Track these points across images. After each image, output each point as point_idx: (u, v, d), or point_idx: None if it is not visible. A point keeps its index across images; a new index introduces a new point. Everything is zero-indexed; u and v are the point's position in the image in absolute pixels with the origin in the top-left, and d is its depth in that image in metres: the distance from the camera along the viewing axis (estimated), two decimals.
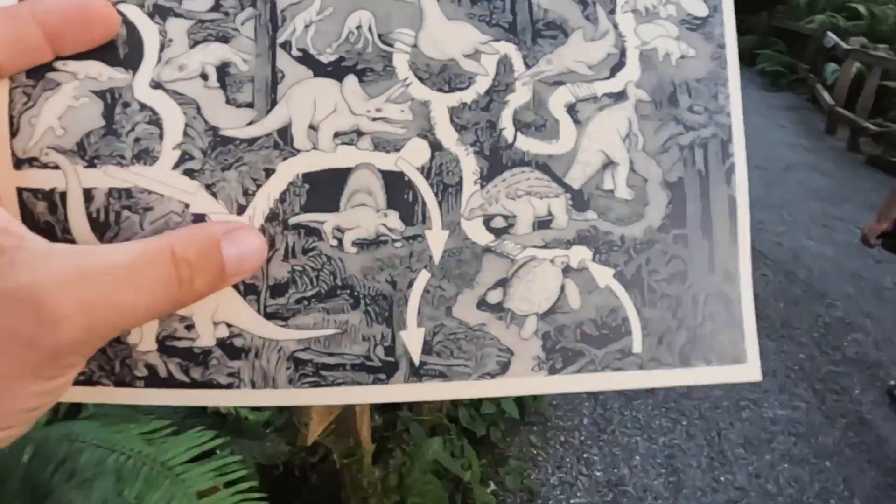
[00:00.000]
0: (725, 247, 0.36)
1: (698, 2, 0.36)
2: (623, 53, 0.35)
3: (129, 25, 0.32)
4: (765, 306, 3.76)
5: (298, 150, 0.33)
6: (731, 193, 0.35)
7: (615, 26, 0.35)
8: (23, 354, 0.24)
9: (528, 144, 0.34)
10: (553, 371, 0.34)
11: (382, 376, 0.33)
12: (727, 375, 0.35)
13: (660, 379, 0.35)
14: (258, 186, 0.32)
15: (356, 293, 0.33)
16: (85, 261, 0.25)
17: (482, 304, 0.34)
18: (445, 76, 0.34)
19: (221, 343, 0.32)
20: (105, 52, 0.31)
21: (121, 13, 0.32)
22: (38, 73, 0.31)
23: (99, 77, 0.31)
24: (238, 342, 0.32)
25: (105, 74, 0.32)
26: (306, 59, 0.33)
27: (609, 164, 0.35)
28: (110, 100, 0.32)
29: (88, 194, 0.31)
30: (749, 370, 0.36)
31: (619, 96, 0.35)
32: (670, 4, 0.35)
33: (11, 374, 0.24)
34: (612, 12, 0.35)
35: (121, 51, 0.32)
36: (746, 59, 10.18)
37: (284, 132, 0.33)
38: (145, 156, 0.31)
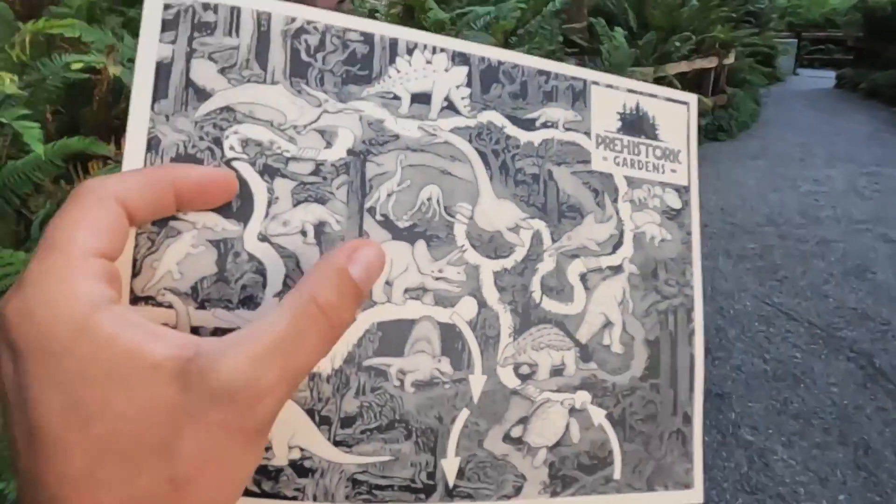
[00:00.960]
0: (685, 394, 0.45)
1: (675, 197, 0.47)
2: (622, 234, 0.44)
3: (241, 181, 0.36)
4: None
5: (375, 302, 0.37)
6: (692, 352, 0.45)
7: (617, 212, 0.44)
8: (237, 436, 0.27)
9: (550, 305, 0.42)
10: (554, 494, 0.41)
11: (423, 496, 0.38)
12: (678, 499, 0.44)
13: (631, 501, 0.43)
14: None
15: (410, 427, 0.38)
16: (260, 345, 0.28)
17: (507, 437, 0.40)
18: (493, 245, 0.40)
19: (293, 464, 0.36)
20: (221, 207, 0.35)
21: (235, 169, 0.36)
22: (163, 222, 0.34)
23: (215, 227, 0.35)
24: (307, 464, 0.36)
25: (220, 225, 0.35)
26: (387, 223, 0.38)
27: (608, 324, 0.43)
28: (223, 249, 0.35)
29: (195, 332, 0.34)
30: (695, 494, 0.44)
31: (618, 269, 0.44)
32: (656, 197, 0.46)
33: (231, 454, 0.27)
34: (615, 201, 0.44)
35: (234, 205, 0.35)
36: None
37: None
38: (249, 302, 0.35)
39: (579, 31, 8.33)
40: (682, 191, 0.48)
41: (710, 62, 8.56)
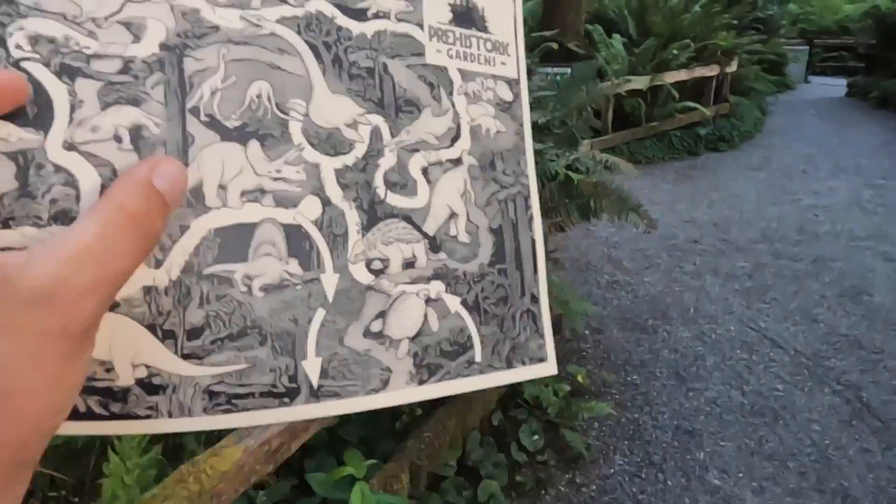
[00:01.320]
0: (531, 276, 0.46)
1: (507, 90, 0.46)
2: (459, 128, 0.44)
3: (36, 85, 0.32)
4: None
5: (210, 208, 0.35)
6: (533, 237, 0.47)
7: (453, 105, 0.44)
8: (59, 342, 0.27)
9: (395, 200, 0.41)
10: (422, 382, 0.41)
11: (287, 400, 0.37)
12: (535, 372, 0.46)
13: (494, 380, 0.44)
14: (174, 242, 0.35)
15: (264, 332, 0.37)
16: (68, 249, 0.27)
17: (367, 332, 0.40)
18: (331, 142, 0.39)
19: (140, 382, 0.34)
20: (14, 113, 0.31)
21: (26, 72, 0.32)
22: None
23: (9, 138, 0.31)
24: (156, 381, 0.34)
25: (15, 135, 0.31)
26: (214, 124, 0.36)
27: (453, 214, 0.43)
28: (23, 161, 0.32)
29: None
30: (549, 366, 0.46)
31: (457, 161, 0.44)
32: (489, 90, 0.45)
33: (55, 360, 0.27)
34: (450, 94, 0.44)
35: (30, 111, 0.32)
36: None
37: (196, 192, 0.35)
38: (63, 217, 0.32)
39: (575, 38, 8.11)
40: (513, 83, 0.47)
41: (710, 70, 8.30)
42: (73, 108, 0.32)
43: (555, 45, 8.06)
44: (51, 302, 0.26)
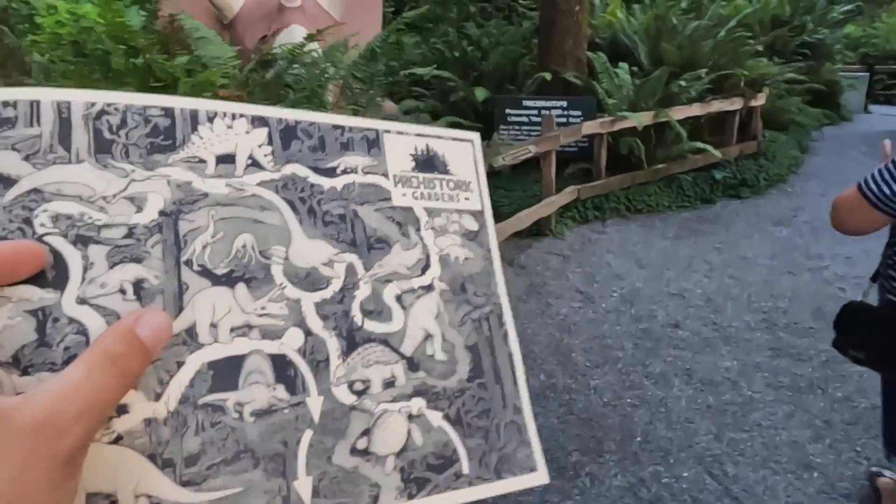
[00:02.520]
0: (511, 388, 0.51)
1: (472, 220, 0.54)
2: (428, 258, 0.51)
3: (55, 253, 0.39)
4: None
5: (203, 344, 0.41)
6: (509, 351, 0.52)
7: (421, 239, 0.51)
8: (49, 466, 0.31)
9: (372, 326, 0.47)
10: (411, 497, 0.45)
11: None
12: (526, 482, 0.49)
13: (485, 491, 0.47)
14: (171, 376, 0.40)
15: (256, 455, 0.41)
16: (59, 386, 0.33)
17: (353, 450, 0.44)
18: (310, 280, 0.46)
19: None
20: (36, 277, 0.38)
21: (47, 243, 0.38)
22: None
23: (31, 298, 0.37)
24: None
25: (37, 295, 0.37)
26: (205, 272, 0.42)
27: (428, 336, 0.49)
28: (42, 317, 0.37)
29: None
30: (540, 476, 0.50)
31: (429, 288, 0.50)
32: (454, 223, 0.53)
33: (45, 484, 0.31)
34: (418, 230, 0.51)
35: (49, 274, 0.38)
36: None
37: (191, 331, 0.41)
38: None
39: (574, 67, 7.07)
40: (478, 214, 0.55)
41: (731, 104, 7.10)
42: (85, 269, 0.39)
43: (548, 76, 7.05)
44: (42, 429, 0.31)
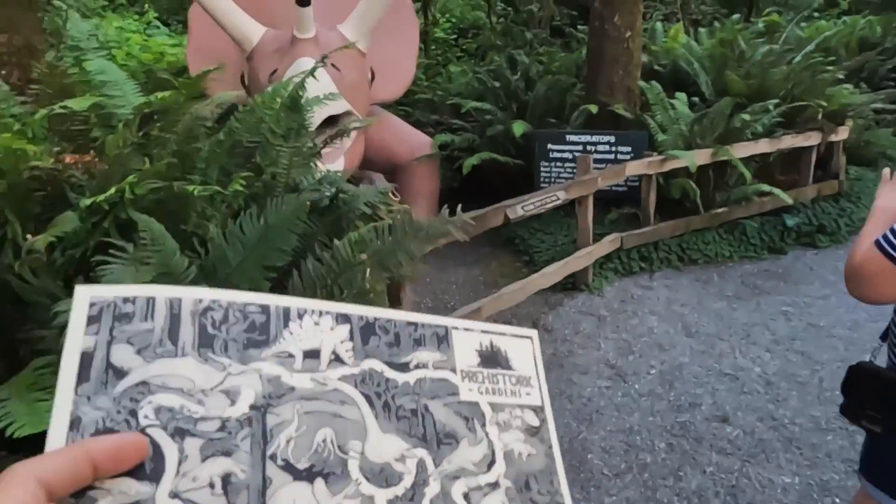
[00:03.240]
0: None
1: (533, 416, 0.55)
2: (493, 454, 0.52)
3: (154, 445, 0.40)
4: None
5: None
6: None
7: (487, 435, 0.52)
8: None
9: None
10: None
11: None
12: None
13: None
14: None
15: None
16: None
17: None
18: (384, 475, 0.47)
19: None
20: (135, 469, 0.39)
21: (148, 435, 0.40)
22: (81, 492, 0.37)
23: (129, 491, 0.38)
24: None
25: (133, 489, 0.39)
26: (288, 467, 0.43)
27: None
28: None
29: None
30: None
31: (495, 485, 0.51)
32: (517, 418, 0.54)
33: None
34: (483, 425, 0.52)
35: (147, 467, 0.39)
36: None
37: None
38: None
39: (625, 98, 6.34)
40: (538, 410, 0.56)
41: (806, 139, 6.17)
42: (180, 462, 0.40)
43: (593, 108, 6.34)
44: None
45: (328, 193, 2.06)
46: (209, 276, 1.43)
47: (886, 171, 1.68)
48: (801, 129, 6.25)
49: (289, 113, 1.95)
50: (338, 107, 4.94)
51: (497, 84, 7.25)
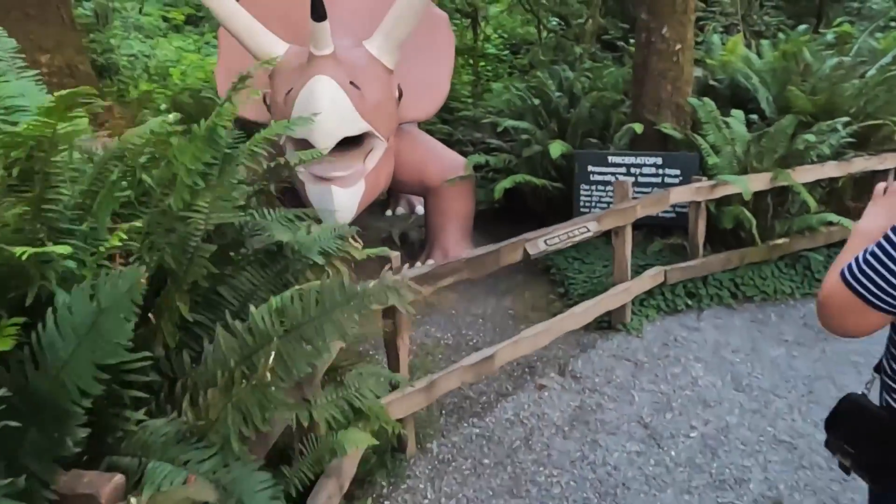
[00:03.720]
0: None
1: None
2: None
3: None
4: None
5: None
6: None
7: None
8: None
9: None
10: None
11: None
12: None
13: None
14: None
15: None
16: None
17: None
18: None
19: None
20: None
21: None
22: None
23: None
24: None
25: None
26: None
27: None
28: None
29: None
30: None
31: None
32: None
33: None
34: None
35: None
36: None
37: None
38: None
39: (674, 115, 5.79)
40: None
41: (881, 161, 5.46)
42: None
43: (638, 128, 5.80)
44: None
45: (271, 240, 1.68)
46: (40, 371, 1.06)
47: (880, 185, 1.50)
48: (875, 151, 5.55)
49: (207, 146, 1.57)
50: (353, 127, 4.59)
51: (537, 101, 6.79)
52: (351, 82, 4.63)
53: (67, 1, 7.54)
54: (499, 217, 7.40)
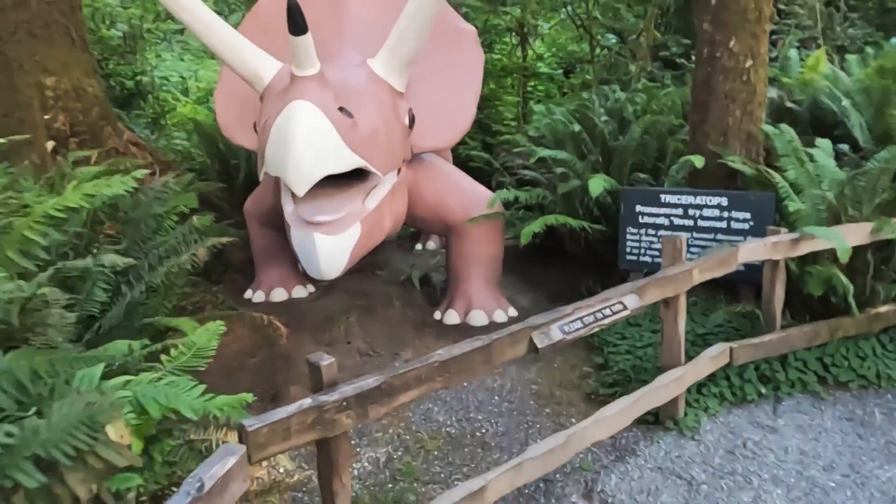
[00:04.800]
0: None
1: None
2: None
3: None
4: None
5: None
6: None
7: None
8: None
9: None
10: None
11: None
12: None
13: None
14: None
15: None
16: None
17: None
18: None
19: None
20: None
21: None
22: None
23: None
24: None
25: None
26: None
27: None
28: None
29: None
30: None
31: None
32: None
33: None
34: None
35: None
36: None
37: None
38: None
39: (744, 146, 4.70)
40: None
41: None
42: None
43: (698, 161, 4.73)
44: None
45: None
46: None
47: None
48: None
49: None
50: (339, 164, 3.70)
51: (577, 127, 5.78)
52: (341, 108, 3.77)
53: (79, 21, 6.99)
54: (532, 256, 6.40)
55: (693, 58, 8.22)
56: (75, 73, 6.88)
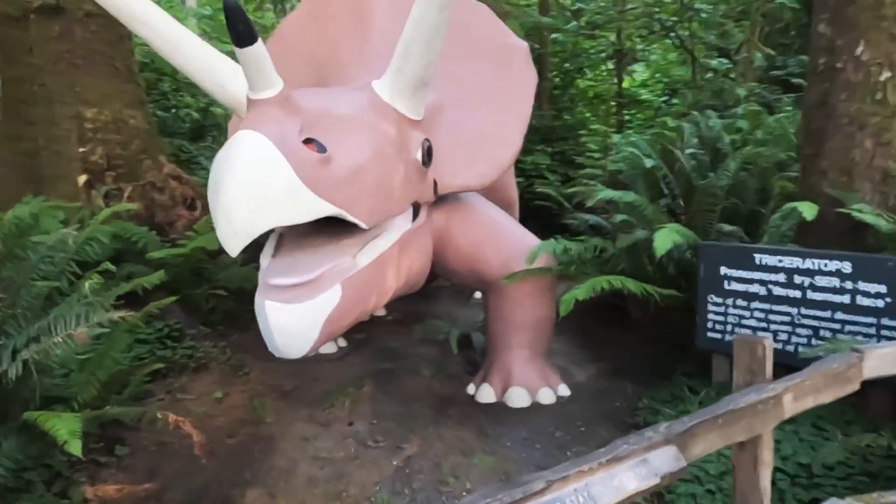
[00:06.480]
0: None
1: None
2: None
3: None
4: None
5: None
6: None
7: None
8: None
9: None
10: None
11: None
12: None
13: None
14: None
15: None
16: None
17: None
18: None
19: None
20: None
21: None
22: None
23: None
24: None
25: None
26: None
27: None
28: None
29: None
30: None
31: None
32: None
33: None
34: None
35: None
36: None
37: None
38: None
39: (871, 190, 3.38)
40: None
41: None
42: None
43: (809, 210, 3.44)
44: None
45: None
46: None
47: None
48: None
49: None
50: (295, 212, 2.79)
51: (650, 162, 4.59)
52: (308, 139, 2.87)
53: (127, 51, 6.65)
54: (595, 312, 5.18)
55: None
56: (117, 105, 6.50)
